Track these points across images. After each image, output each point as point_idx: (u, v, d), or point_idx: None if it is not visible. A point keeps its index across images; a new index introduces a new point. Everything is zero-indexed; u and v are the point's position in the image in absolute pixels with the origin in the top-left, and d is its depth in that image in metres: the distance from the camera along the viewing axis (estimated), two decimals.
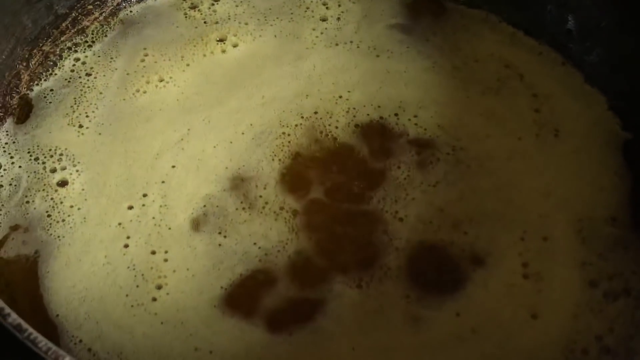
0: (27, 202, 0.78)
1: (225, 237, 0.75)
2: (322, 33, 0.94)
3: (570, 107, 0.87)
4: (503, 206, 0.79)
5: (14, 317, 0.58)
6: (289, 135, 0.83)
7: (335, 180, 0.80)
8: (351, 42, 0.93)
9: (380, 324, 0.71)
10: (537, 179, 0.81)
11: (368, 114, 0.85)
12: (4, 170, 0.80)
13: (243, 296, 0.72)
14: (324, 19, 0.95)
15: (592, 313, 0.72)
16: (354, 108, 0.86)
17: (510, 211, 0.78)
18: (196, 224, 0.76)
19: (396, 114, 0.85)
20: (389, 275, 0.74)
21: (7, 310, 0.59)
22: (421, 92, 0.88)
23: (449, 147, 0.83)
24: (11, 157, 0.81)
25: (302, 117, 0.85)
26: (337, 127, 0.84)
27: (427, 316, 0.71)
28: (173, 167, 0.80)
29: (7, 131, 0.84)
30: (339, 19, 0.95)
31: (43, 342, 0.57)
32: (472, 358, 0.69)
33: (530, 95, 0.88)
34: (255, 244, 0.75)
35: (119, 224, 0.76)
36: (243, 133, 0.84)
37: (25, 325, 0.58)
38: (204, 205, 0.78)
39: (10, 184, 0.80)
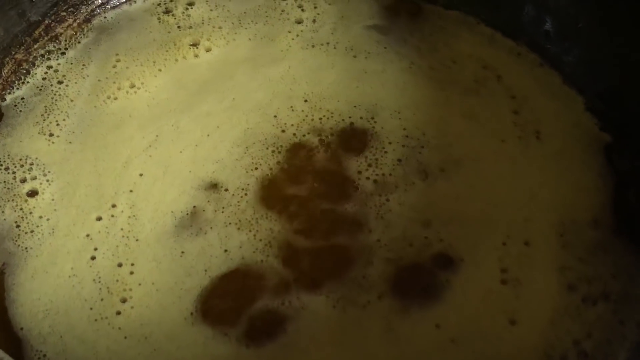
0: None
1: (192, 247, 0.70)
2: (297, 35, 0.88)
3: (549, 108, 0.83)
4: (486, 210, 0.74)
5: None
6: (260, 138, 0.78)
7: (310, 185, 0.75)
8: (328, 43, 0.88)
9: (355, 337, 0.66)
10: (521, 182, 0.77)
11: (344, 115, 0.80)
12: None
13: (209, 310, 0.67)
14: (299, 22, 0.90)
15: (571, 318, 0.68)
16: (330, 109, 0.81)
17: (494, 215, 0.74)
18: (163, 235, 0.71)
19: (373, 115, 0.80)
20: (365, 285, 0.69)
21: None
22: (399, 92, 0.83)
23: (428, 148, 0.78)
24: None
25: (275, 118, 0.80)
26: (312, 129, 0.79)
27: (405, 328, 0.67)
28: (141, 175, 0.75)
29: None
30: (314, 21, 0.90)
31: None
32: None
33: (508, 96, 0.84)
34: (225, 252, 0.70)
35: (87, 235, 0.71)
36: (209, 135, 0.78)
37: None
38: (172, 215, 0.72)
39: None
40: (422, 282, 0.69)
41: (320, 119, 0.80)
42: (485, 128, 0.81)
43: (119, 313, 0.66)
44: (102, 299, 0.67)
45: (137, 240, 0.71)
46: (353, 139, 0.79)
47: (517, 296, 0.69)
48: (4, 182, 0.75)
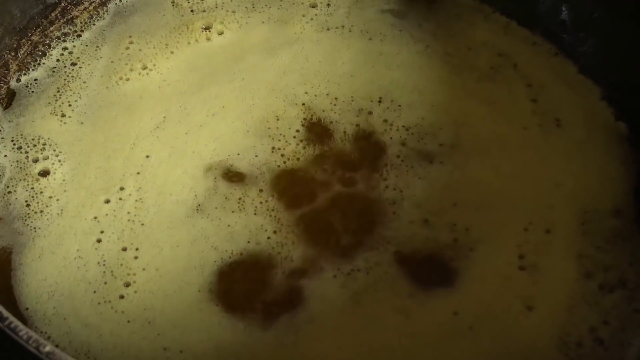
0: (9, 192, 0.68)
1: (196, 232, 0.64)
2: (312, 19, 0.82)
3: (566, 97, 0.77)
4: (510, 196, 0.68)
5: None
6: (267, 118, 0.72)
7: (320, 167, 0.69)
8: (342, 26, 0.81)
9: (370, 325, 0.60)
10: (546, 170, 0.71)
11: (359, 95, 0.74)
12: None
13: (214, 295, 0.61)
14: (313, 6, 0.83)
15: (587, 305, 0.63)
16: (344, 89, 0.75)
17: (517, 201, 0.68)
18: (167, 221, 0.65)
19: (390, 96, 0.75)
20: (380, 271, 0.63)
21: None
22: (415, 74, 0.77)
23: (447, 131, 0.72)
24: None
25: (285, 98, 0.74)
26: (324, 110, 0.73)
27: (423, 316, 0.61)
28: (147, 157, 0.69)
29: None
30: (329, 5, 0.83)
31: (24, 330, 0.48)
32: (468, 354, 0.59)
33: (525, 84, 0.78)
34: (230, 237, 0.64)
35: (95, 217, 0.65)
36: (214, 115, 0.72)
37: (6, 313, 0.50)
38: (176, 199, 0.66)
39: None
40: (439, 269, 0.64)
41: (335, 98, 0.74)
42: (506, 115, 0.75)
43: (122, 297, 0.60)
44: (105, 283, 0.61)
45: (142, 224, 0.65)
46: (368, 120, 0.73)
47: (535, 282, 0.64)
48: (17, 161, 0.70)
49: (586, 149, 0.73)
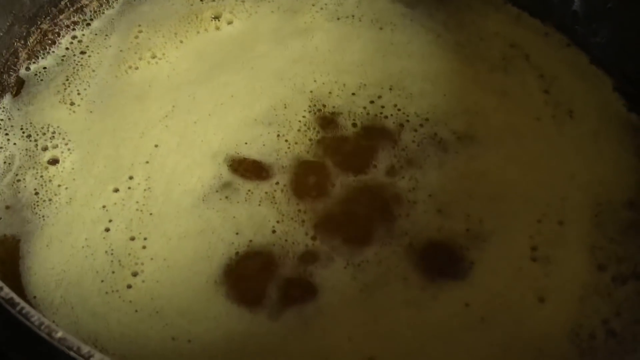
0: (19, 180, 0.66)
1: (203, 223, 0.63)
2: (322, 8, 0.80)
3: (579, 88, 0.75)
4: (525, 187, 0.67)
5: (6, 292, 0.48)
6: (275, 106, 0.70)
7: (332, 156, 0.68)
8: (353, 16, 0.80)
9: (382, 316, 0.59)
10: (560, 161, 0.70)
11: (370, 84, 0.73)
12: (1, 148, 0.68)
13: (222, 285, 0.60)
14: None
15: (600, 296, 0.62)
16: (355, 78, 0.73)
17: (532, 192, 0.67)
18: (175, 210, 0.64)
19: (401, 85, 0.73)
20: (392, 263, 0.62)
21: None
22: (426, 64, 0.76)
23: (460, 121, 0.71)
24: (6, 135, 0.69)
25: (294, 86, 0.72)
26: (334, 98, 0.72)
27: (435, 307, 0.60)
28: (156, 146, 0.68)
29: (3, 108, 0.71)
30: None
31: (36, 316, 0.47)
32: (480, 346, 0.58)
33: (537, 75, 0.76)
34: (237, 228, 0.63)
35: (103, 206, 0.64)
36: (222, 104, 0.71)
37: (17, 299, 0.48)
38: (183, 189, 0.65)
39: (5, 162, 0.68)
40: (451, 260, 0.63)
41: (345, 86, 0.72)
42: (518, 105, 0.73)
43: (129, 287, 0.59)
44: (113, 272, 0.60)
45: (150, 214, 0.64)
46: (379, 107, 0.71)
47: (547, 274, 0.62)
48: (26, 149, 0.68)
49: (599, 141, 0.72)
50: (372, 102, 0.72)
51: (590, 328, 0.60)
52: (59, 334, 0.47)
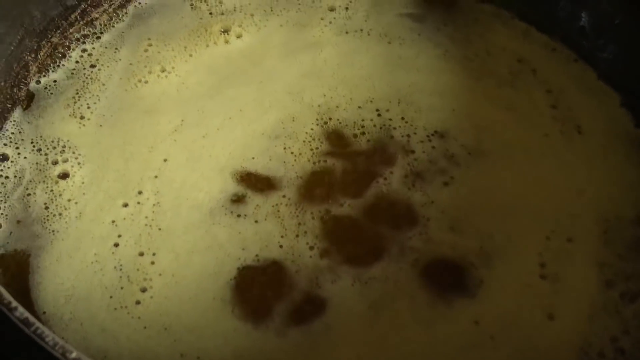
0: (29, 194, 0.66)
1: (212, 239, 0.63)
2: (330, 22, 0.80)
3: (586, 103, 0.75)
4: (534, 203, 0.67)
5: (21, 311, 0.48)
6: (284, 120, 0.70)
7: (341, 169, 0.67)
8: (361, 30, 0.79)
9: (391, 334, 0.58)
10: (569, 177, 0.69)
11: (378, 98, 0.72)
12: (11, 162, 0.68)
13: (230, 301, 0.59)
14: (332, 9, 0.81)
15: (608, 314, 0.61)
16: (363, 92, 0.73)
17: (541, 209, 0.66)
18: (183, 226, 0.63)
19: (409, 99, 0.73)
20: (401, 279, 0.61)
21: (14, 303, 0.48)
22: (434, 78, 0.75)
23: (468, 136, 0.70)
24: (17, 148, 0.69)
25: (302, 100, 0.72)
26: (342, 112, 0.71)
27: (444, 325, 0.59)
28: (165, 160, 0.67)
29: (14, 121, 0.71)
30: (347, 8, 0.81)
31: (50, 336, 0.47)
32: None
33: (544, 90, 0.76)
34: (246, 244, 0.62)
35: (113, 221, 0.64)
36: (230, 118, 0.71)
37: (32, 319, 0.48)
38: (192, 204, 0.65)
39: (15, 176, 0.67)
40: (459, 277, 0.62)
41: (353, 100, 0.72)
42: (526, 120, 0.73)
43: (138, 302, 0.59)
44: (122, 288, 0.59)
45: (159, 229, 0.63)
46: (388, 121, 0.71)
47: (556, 291, 0.62)
48: (37, 163, 0.68)
49: (607, 157, 0.71)
50: (379, 114, 0.72)
51: (599, 346, 0.59)
52: (73, 355, 0.46)
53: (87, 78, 0.74)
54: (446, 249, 0.63)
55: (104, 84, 0.74)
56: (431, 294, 0.60)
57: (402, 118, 0.72)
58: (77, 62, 0.76)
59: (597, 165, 0.70)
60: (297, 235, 0.63)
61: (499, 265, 0.62)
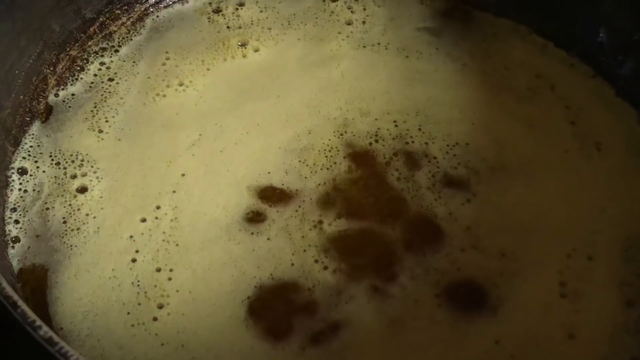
0: (47, 208, 0.65)
1: (228, 256, 0.62)
2: (347, 36, 0.79)
3: (605, 120, 0.73)
4: (555, 221, 0.65)
5: (45, 330, 0.47)
6: (301, 134, 0.69)
7: (360, 185, 0.66)
8: (379, 44, 0.78)
9: (407, 351, 0.57)
10: (590, 194, 0.67)
11: (396, 111, 0.71)
12: (30, 175, 0.68)
13: (248, 319, 0.58)
14: (349, 23, 0.80)
15: (628, 334, 0.60)
16: (381, 105, 0.72)
17: (562, 226, 0.65)
18: (200, 242, 0.62)
19: (427, 113, 0.71)
20: (421, 299, 0.60)
21: (38, 322, 0.47)
22: (453, 92, 0.74)
23: (488, 152, 0.69)
24: (36, 162, 0.69)
25: (319, 114, 0.71)
26: (360, 125, 0.70)
27: (465, 345, 0.58)
28: (183, 175, 0.67)
29: (33, 135, 0.71)
30: (364, 22, 0.80)
31: (74, 356, 0.46)
32: None
33: (563, 106, 0.74)
34: (264, 261, 0.61)
35: (130, 236, 0.63)
36: (248, 133, 0.70)
37: (56, 338, 0.47)
38: (209, 219, 0.64)
39: (34, 190, 0.67)
40: (480, 296, 0.61)
41: (371, 114, 0.71)
42: (546, 136, 0.71)
43: (155, 319, 0.58)
44: (139, 304, 0.59)
45: (177, 245, 0.62)
46: (407, 134, 0.70)
47: (576, 310, 0.60)
48: (55, 177, 0.68)
49: (628, 173, 0.70)
50: (396, 126, 0.71)
51: None
52: None
53: (105, 91, 0.74)
54: (468, 268, 0.62)
55: (122, 98, 0.73)
56: (451, 313, 0.59)
57: (420, 129, 0.71)
58: (95, 75, 0.75)
59: (618, 182, 0.69)
60: (314, 253, 0.62)
61: (520, 284, 0.61)
